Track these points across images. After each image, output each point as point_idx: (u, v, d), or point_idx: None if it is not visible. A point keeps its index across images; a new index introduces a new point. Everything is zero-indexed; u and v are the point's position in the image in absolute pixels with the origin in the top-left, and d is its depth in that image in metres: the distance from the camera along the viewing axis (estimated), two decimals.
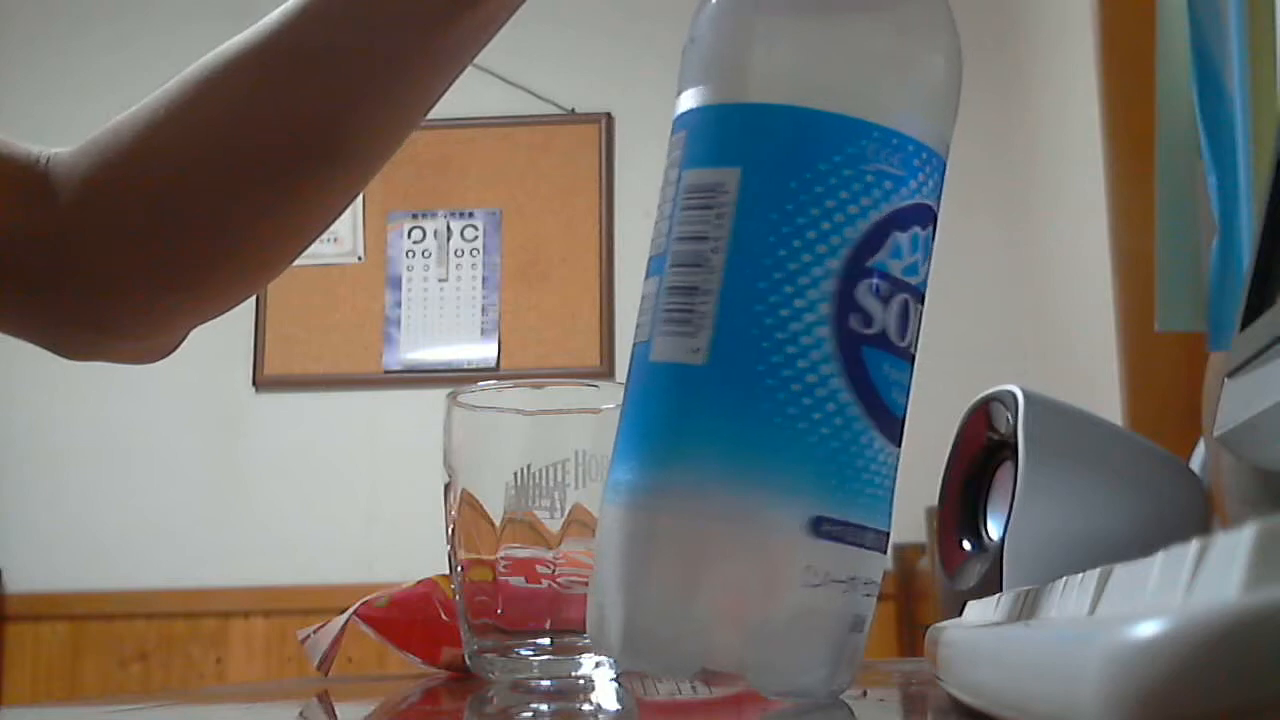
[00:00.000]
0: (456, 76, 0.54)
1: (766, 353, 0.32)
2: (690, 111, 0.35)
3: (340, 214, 0.59)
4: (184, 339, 0.64)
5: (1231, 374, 0.44)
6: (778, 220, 0.33)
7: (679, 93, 0.36)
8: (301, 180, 0.55)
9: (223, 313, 0.62)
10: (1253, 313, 0.44)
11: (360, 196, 3.36)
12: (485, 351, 2.72)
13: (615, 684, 0.50)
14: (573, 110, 2.78)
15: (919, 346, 0.35)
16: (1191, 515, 0.67)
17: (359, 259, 2.76)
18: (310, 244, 0.60)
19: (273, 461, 2.70)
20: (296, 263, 0.61)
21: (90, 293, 0.58)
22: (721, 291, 0.32)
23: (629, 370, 0.35)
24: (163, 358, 0.64)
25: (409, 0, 0.50)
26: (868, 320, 0.33)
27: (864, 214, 0.33)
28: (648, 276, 0.35)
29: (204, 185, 0.55)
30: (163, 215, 0.56)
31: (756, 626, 0.32)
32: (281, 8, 0.52)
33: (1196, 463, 0.78)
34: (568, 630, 0.51)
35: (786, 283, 0.32)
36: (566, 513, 0.51)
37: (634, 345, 0.35)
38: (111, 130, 0.56)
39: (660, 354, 0.33)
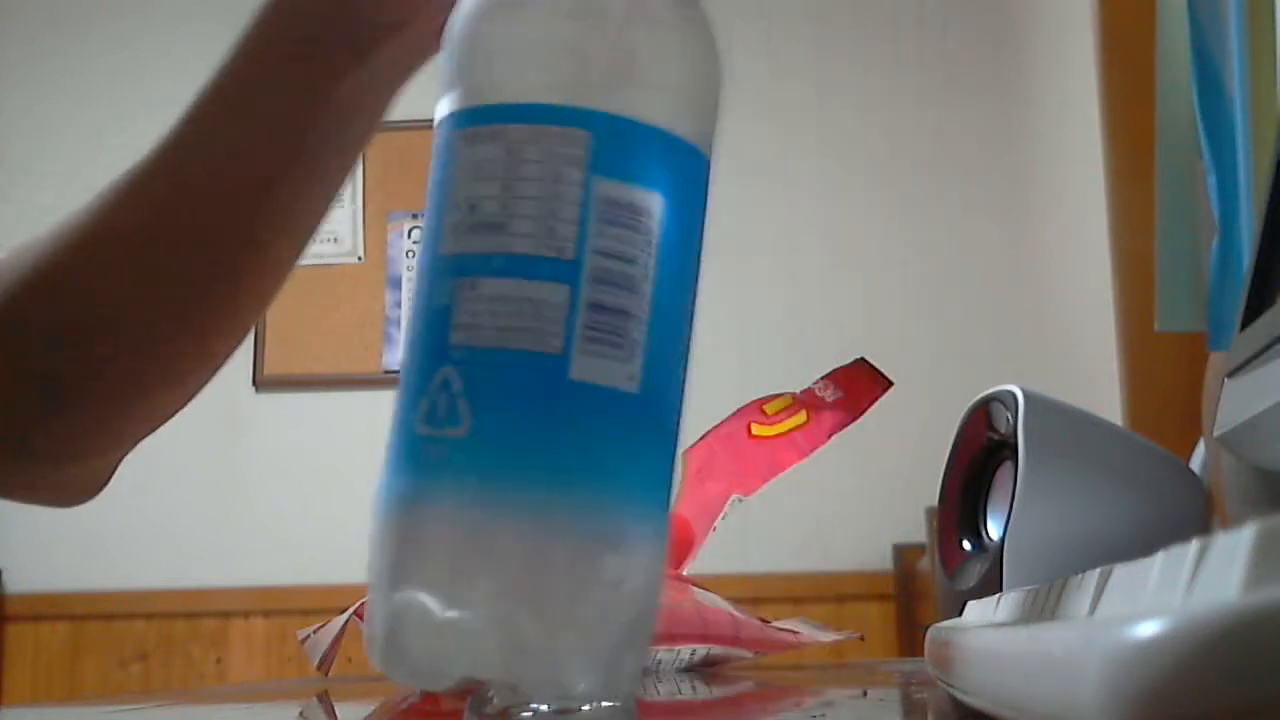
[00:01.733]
0: (348, 170, 0.54)
1: (677, 385, 0.34)
2: (597, 115, 0.33)
3: (248, 330, 0.59)
4: (114, 472, 0.59)
5: (1231, 374, 0.44)
6: (685, 257, 0.34)
7: (550, 79, 0.34)
8: (211, 284, 0.56)
9: (155, 429, 0.58)
10: (1253, 313, 0.44)
11: (360, 197, 3.31)
12: None
13: None
14: None
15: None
16: (1191, 515, 0.67)
17: (359, 259, 2.76)
18: (221, 361, 0.57)
19: (273, 461, 2.70)
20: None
21: (19, 406, 0.53)
22: (651, 320, 0.33)
23: (469, 368, 0.32)
24: (90, 497, 0.59)
25: (279, 93, 0.50)
26: None
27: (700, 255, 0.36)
28: (500, 274, 0.32)
29: (127, 288, 0.53)
30: (94, 321, 0.53)
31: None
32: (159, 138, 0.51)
33: (1196, 463, 0.78)
34: None
35: (688, 318, 0.35)
36: None
37: (492, 348, 0.32)
38: (44, 235, 0.54)
39: (587, 373, 0.32)
